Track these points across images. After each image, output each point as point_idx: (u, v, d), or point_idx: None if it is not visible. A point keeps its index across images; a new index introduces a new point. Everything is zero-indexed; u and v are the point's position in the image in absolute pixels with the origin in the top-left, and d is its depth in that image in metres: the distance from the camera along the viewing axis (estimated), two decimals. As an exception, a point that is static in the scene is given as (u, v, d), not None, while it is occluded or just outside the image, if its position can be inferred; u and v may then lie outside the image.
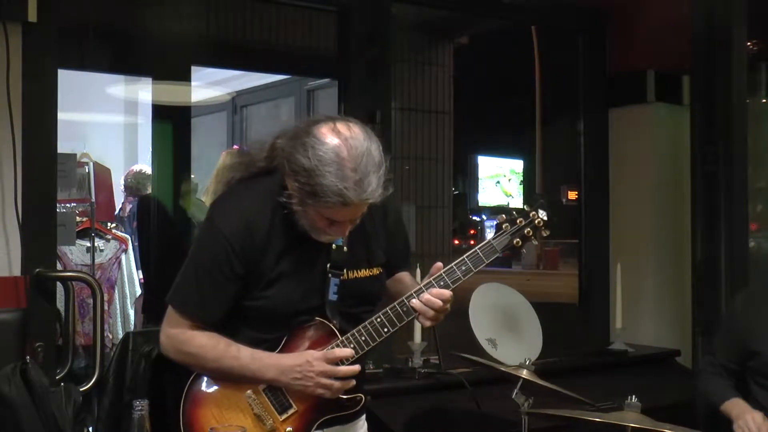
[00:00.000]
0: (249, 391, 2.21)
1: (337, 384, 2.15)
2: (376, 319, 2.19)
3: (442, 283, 2.21)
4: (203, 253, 2.19)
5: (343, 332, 2.20)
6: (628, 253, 4.59)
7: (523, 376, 2.73)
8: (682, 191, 4.48)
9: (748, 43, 4.26)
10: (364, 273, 2.27)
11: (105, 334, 4.08)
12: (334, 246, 2.21)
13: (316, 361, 2.13)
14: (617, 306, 4.27)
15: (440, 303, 2.19)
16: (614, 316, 4.32)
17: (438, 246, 5.59)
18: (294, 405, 2.20)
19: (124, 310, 5.21)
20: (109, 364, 2.93)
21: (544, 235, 2.28)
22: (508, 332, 3.78)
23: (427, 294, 2.19)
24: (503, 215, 2.28)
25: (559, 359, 3.93)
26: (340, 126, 2.04)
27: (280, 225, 2.15)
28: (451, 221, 5.77)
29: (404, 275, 2.44)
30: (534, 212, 2.27)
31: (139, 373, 2.84)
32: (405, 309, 2.20)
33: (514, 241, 2.25)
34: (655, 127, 4.66)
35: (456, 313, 3.89)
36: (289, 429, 2.19)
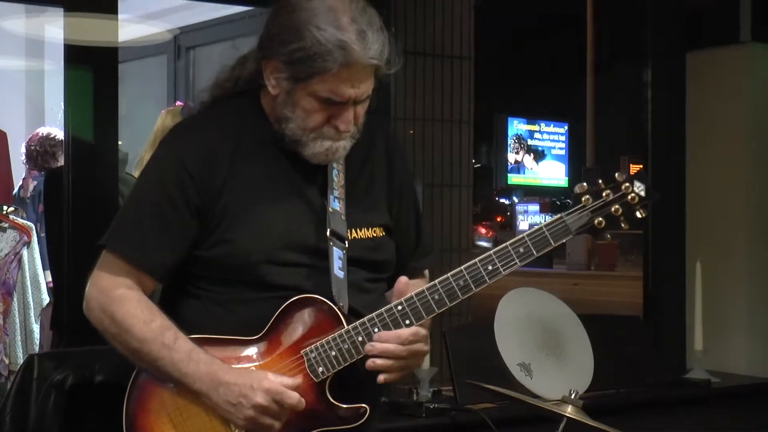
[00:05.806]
0: None
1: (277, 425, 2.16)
2: (379, 315, 2.21)
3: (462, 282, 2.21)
4: (149, 180, 2.30)
5: (355, 315, 2.23)
6: (711, 248, 4.59)
7: (568, 414, 2.73)
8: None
9: None
10: (363, 234, 2.33)
11: (0, 358, 4.07)
12: (330, 209, 2.27)
13: (260, 391, 2.14)
14: (696, 320, 4.27)
15: (399, 349, 2.19)
16: (692, 334, 4.32)
17: (454, 238, 5.58)
18: None
19: (27, 325, 5.22)
20: (6, 399, 2.94)
21: (639, 216, 2.25)
22: (548, 355, 3.78)
23: (375, 340, 2.19)
24: (584, 183, 2.27)
25: (616, 392, 3.94)
26: None
27: (250, 154, 2.27)
28: (471, 204, 5.77)
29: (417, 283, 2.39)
30: (627, 183, 2.25)
31: (47, 410, 2.86)
32: (428, 303, 2.21)
33: (596, 221, 2.24)
34: (752, 76, 4.66)
35: (477, 328, 3.89)
36: None
